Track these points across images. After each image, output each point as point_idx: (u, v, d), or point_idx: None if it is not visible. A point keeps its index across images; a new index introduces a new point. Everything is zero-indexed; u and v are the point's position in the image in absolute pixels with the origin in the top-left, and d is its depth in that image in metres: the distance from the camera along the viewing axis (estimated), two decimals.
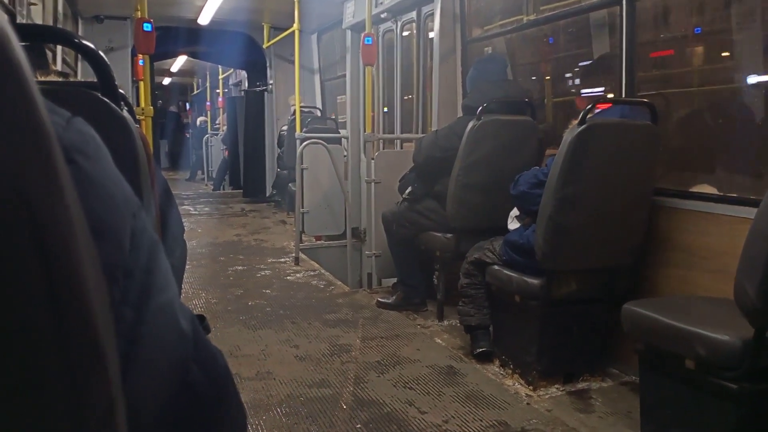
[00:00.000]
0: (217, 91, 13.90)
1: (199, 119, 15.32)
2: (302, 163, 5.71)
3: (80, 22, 7.72)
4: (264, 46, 8.92)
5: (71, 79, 3.79)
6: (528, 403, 2.78)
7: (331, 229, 6.21)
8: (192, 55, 12.15)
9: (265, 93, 9.87)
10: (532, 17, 4.22)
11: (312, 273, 5.27)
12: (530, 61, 4.76)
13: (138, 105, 4.23)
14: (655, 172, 2.91)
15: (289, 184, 7.28)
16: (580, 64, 4.14)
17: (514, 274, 3.01)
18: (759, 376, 1.93)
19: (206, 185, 13.35)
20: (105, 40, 7.71)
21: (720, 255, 2.61)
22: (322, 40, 8.34)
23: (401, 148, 5.69)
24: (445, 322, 3.91)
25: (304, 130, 6.41)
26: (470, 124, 3.47)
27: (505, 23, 4.52)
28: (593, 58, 3.77)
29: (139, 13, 4.15)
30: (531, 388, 2.92)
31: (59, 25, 5.49)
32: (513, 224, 3.18)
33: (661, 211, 2.95)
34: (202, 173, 14.48)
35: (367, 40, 4.75)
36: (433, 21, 4.90)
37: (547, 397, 2.86)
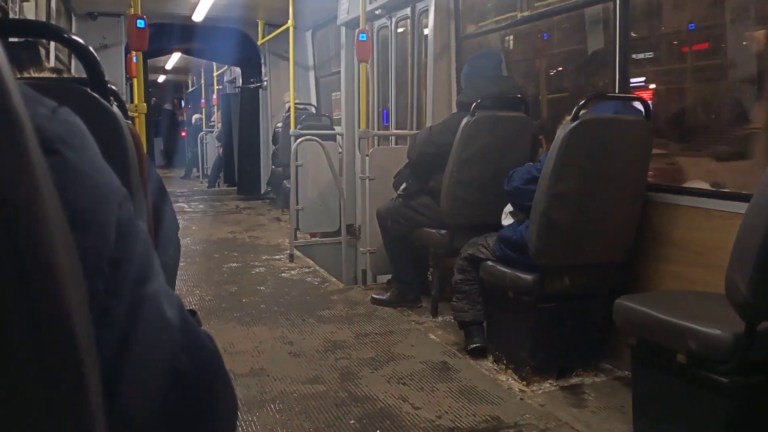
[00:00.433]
0: (212, 87, 13.87)
1: (195, 116, 15.29)
2: (297, 160, 5.71)
3: (74, 18, 7.69)
4: (258, 43, 8.90)
5: (65, 76, 3.76)
6: (521, 399, 2.79)
7: (326, 225, 6.21)
8: (186, 52, 12.12)
9: (260, 90, 9.86)
10: (526, 13, 4.22)
11: (306, 270, 5.27)
12: (524, 57, 4.76)
13: (131, 102, 4.21)
14: (647, 167, 2.92)
15: (284, 181, 7.28)
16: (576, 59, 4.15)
17: (508, 269, 3.01)
18: (750, 370, 1.94)
19: (201, 182, 13.34)
20: (98, 37, 7.69)
21: (712, 250, 2.62)
22: (316, 36, 8.31)
23: (396, 144, 5.69)
24: (439, 318, 3.92)
25: (299, 126, 6.41)
26: (464, 120, 3.47)
27: (500, 19, 4.52)
28: (588, 54, 3.78)
29: (132, 9, 4.14)
30: (524, 383, 2.93)
31: (52, 22, 5.47)
32: (507, 220, 3.19)
33: (654, 206, 2.96)
34: (197, 171, 14.46)
35: (362, 37, 4.74)
36: (427, 17, 4.89)
37: (540, 392, 2.87)
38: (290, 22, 6.42)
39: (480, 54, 4.01)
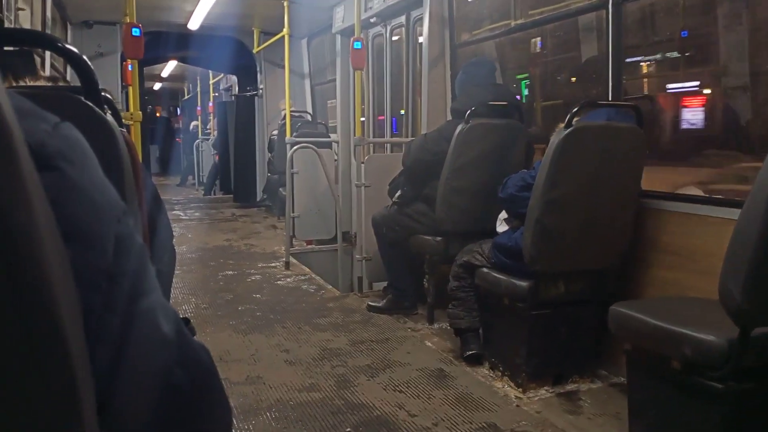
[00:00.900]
0: (209, 95, 13.87)
1: (192, 124, 15.28)
2: (293, 168, 5.71)
3: (69, 27, 7.69)
4: (254, 51, 8.92)
5: (60, 84, 3.76)
6: (517, 405, 2.79)
7: (322, 233, 6.21)
8: (182, 60, 12.13)
9: (256, 98, 9.87)
10: (520, 21, 4.24)
11: (302, 277, 5.26)
12: (518, 65, 4.78)
13: (127, 110, 4.21)
14: (641, 173, 2.93)
15: (280, 189, 7.28)
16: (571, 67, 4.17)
17: (503, 276, 3.02)
18: (744, 376, 1.94)
19: (197, 190, 13.31)
20: (94, 46, 7.70)
21: (706, 256, 2.63)
22: (312, 44, 8.35)
23: (391, 152, 5.70)
24: (435, 325, 3.92)
25: (295, 134, 6.42)
26: (459, 128, 3.49)
27: (494, 27, 4.54)
28: (581, 62, 3.80)
29: (128, 18, 4.14)
30: (520, 390, 2.93)
31: (48, 31, 5.48)
32: (501, 227, 3.19)
33: (648, 212, 2.97)
34: (193, 178, 14.44)
35: (357, 45, 4.77)
36: (422, 25, 4.91)
37: (536, 398, 2.87)
38: (286, 30, 6.44)
39: (473, 62, 4.03)
